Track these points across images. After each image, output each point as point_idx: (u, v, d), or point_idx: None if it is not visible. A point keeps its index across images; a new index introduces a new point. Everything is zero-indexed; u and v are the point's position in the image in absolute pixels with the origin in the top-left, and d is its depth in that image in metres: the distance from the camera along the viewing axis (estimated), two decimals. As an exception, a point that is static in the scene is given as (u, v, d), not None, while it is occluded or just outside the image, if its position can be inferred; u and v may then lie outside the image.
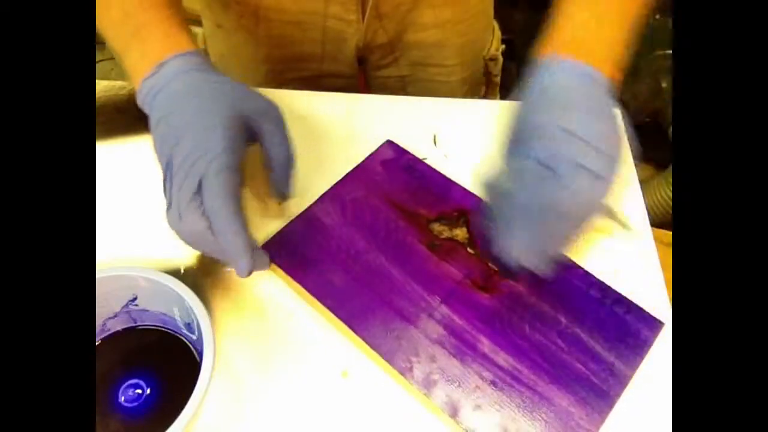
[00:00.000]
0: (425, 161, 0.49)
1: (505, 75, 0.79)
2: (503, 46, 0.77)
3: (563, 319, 0.40)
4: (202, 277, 0.43)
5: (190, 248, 0.38)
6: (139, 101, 0.40)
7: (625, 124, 0.40)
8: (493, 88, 0.77)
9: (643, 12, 0.42)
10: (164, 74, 0.39)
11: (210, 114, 0.38)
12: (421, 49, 0.67)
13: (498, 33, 0.75)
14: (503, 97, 0.80)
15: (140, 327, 0.40)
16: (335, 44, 0.64)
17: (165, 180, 0.37)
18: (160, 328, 0.40)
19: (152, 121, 0.39)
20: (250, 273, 0.37)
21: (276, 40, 0.64)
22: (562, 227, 0.37)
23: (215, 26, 0.67)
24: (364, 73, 0.70)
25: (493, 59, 0.75)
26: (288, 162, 0.42)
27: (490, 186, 0.39)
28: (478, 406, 0.37)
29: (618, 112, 0.39)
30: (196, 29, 0.71)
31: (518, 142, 0.38)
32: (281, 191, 0.43)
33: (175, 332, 0.40)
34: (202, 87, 0.39)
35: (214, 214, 0.36)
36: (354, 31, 0.62)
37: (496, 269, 0.43)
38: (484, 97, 0.77)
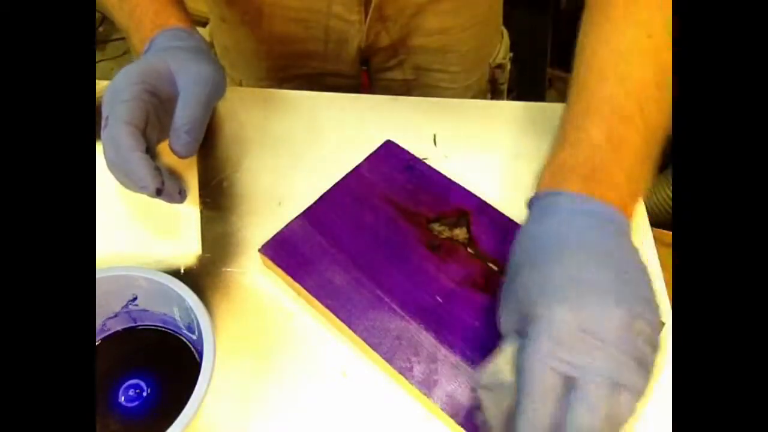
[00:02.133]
0: (425, 161, 0.49)
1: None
2: (511, 54, 0.76)
3: (563, 319, 0.40)
4: (202, 277, 0.44)
5: (190, 248, 0.38)
6: None
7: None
8: (499, 95, 0.76)
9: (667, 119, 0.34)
10: (151, 48, 0.45)
11: (136, 63, 0.42)
12: (424, 54, 0.66)
13: (506, 40, 0.74)
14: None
15: (140, 327, 0.40)
16: (338, 44, 0.64)
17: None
18: (160, 328, 0.40)
19: None
20: (159, 193, 0.39)
21: (279, 37, 0.64)
22: None
23: (220, 20, 0.67)
24: (368, 74, 0.70)
25: (500, 67, 0.74)
26: (185, 123, 0.42)
27: (494, 385, 0.32)
28: (478, 406, 0.37)
29: (645, 265, 0.31)
30: (202, 30, 0.72)
31: (522, 321, 0.32)
32: (171, 146, 0.43)
33: (175, 332, 0.40)
34: (163, 50, 0.44)
35: (115, 139, 0.39)
36: (356, 32, 0.62)
37: (496, 269, 0.43)
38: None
